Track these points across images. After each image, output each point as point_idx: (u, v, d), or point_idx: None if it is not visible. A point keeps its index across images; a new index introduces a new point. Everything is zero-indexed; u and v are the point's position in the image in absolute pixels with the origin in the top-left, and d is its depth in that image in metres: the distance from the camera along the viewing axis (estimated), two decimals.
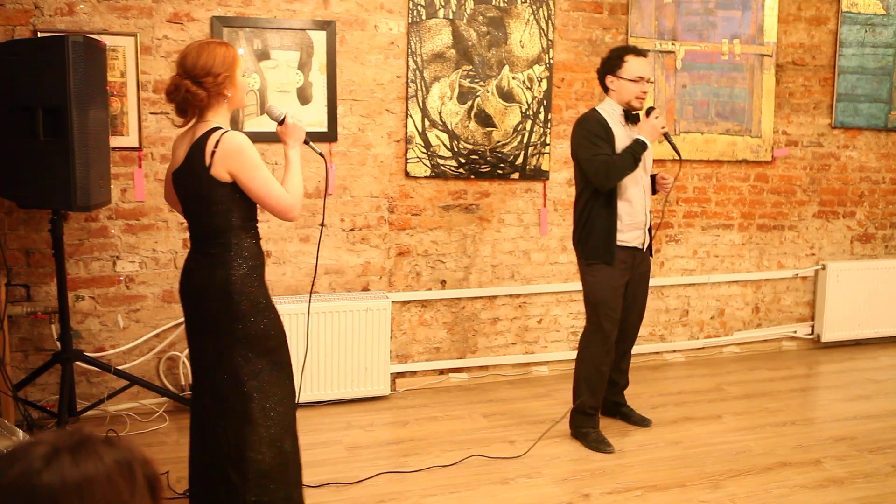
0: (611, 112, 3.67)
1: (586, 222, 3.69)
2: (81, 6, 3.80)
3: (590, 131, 3.61)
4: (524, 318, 4.77)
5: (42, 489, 0.87)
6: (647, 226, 3.81)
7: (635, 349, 4.20)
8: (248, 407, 2.61)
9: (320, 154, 2.85)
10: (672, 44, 4.88)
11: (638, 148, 3.57)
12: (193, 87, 2.53)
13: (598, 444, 3.71)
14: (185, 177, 2.61)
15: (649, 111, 3.66)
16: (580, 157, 3.66)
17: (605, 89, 3.72)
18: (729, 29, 5.01)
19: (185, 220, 3.64)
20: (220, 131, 2.55)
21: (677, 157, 4.01)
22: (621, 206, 3.66)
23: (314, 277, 3.21)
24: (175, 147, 2.70)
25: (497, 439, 3.82)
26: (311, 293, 3.30)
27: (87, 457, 0.92)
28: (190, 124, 2.65)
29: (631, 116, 3.71)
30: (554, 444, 3.76)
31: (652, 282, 4.98)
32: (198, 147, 2.54)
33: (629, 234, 3.70)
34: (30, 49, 3.37)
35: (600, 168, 3.55)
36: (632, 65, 3.60)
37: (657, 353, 5.14)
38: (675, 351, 5.21)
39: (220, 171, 2.52)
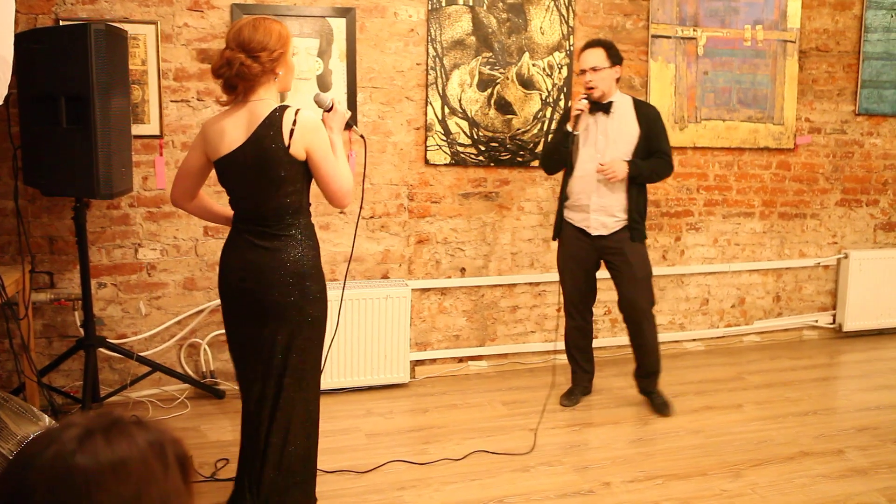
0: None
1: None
2: None
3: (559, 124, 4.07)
4: (543, 306, 4.76)
5: (77, 470, 0.87)
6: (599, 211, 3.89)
7: None
8: (307, 394, 2.63)
9: (361, 136, 3.00)
10: (694, 30, 4.83)
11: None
12: (248, 61, 2.46)
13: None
14: (248, 157, 2.50)
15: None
16: None
17: None
18: (751, 14, 4.94)
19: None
20: (293, 109, 2.49)
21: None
22: (569, 186, 3.97)
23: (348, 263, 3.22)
24: (218, 130, 2.56)
25: (517, 427, 3.82)
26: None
27: (120, 438, 0.92)
28: (231, 105, 2.58)
29: (597, 106, 3.86)
30: (575, 432, 3.77)
31: (672, 270, 5.00)
32: (269, 126, 2.46)
33: (574, 214, 3.96)
34: (52, 37, 3.37)
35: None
36: (581, 59, 3.90)
37: (676, 341, 5.11)
38: (694, 340, 5.18)
39: (298, 149, 2.48)
